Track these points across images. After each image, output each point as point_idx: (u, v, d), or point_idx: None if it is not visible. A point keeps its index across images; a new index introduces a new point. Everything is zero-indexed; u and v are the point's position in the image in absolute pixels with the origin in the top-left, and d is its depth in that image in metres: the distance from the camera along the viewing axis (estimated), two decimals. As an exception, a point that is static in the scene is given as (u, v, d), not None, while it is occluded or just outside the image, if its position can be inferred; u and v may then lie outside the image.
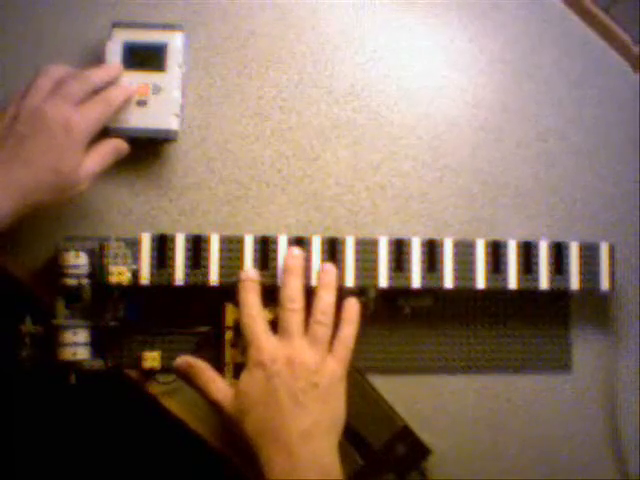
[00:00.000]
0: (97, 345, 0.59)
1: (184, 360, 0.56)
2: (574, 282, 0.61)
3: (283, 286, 0.57)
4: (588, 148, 0.66)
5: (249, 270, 0.58)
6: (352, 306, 0.58)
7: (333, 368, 0.55)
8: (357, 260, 0.59)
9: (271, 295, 0.58)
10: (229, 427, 0.54)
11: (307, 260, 0.59)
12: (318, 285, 0.58)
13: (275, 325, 0.57)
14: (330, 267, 0.58)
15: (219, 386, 0.55)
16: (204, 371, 0.56)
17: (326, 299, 0.57)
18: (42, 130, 0.53)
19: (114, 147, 0.58)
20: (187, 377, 0.56)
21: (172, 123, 0.60)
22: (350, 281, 0.59)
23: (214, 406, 0.55)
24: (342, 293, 0.58)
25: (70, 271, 0.57)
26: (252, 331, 0.55)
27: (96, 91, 0.57)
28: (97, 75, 0.58)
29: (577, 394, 0.64)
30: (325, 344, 0.55)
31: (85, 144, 0.55)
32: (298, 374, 0.53)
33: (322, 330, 0.55)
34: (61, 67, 0.57)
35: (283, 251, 0.59)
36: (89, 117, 0.55)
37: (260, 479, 0.51)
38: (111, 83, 0.59)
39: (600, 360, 0.65)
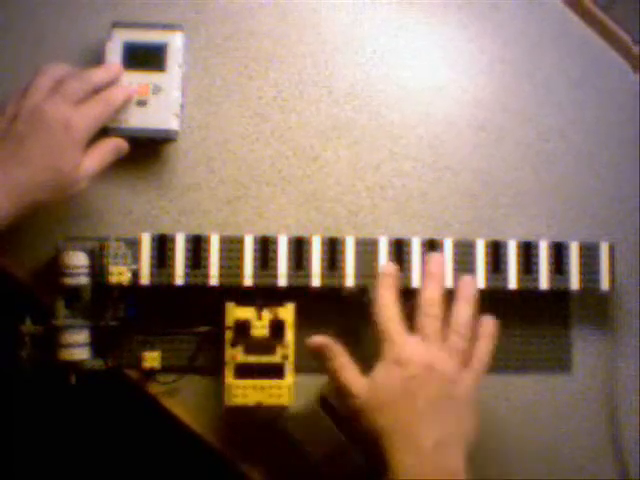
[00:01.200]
0: (97, 345, 0.59)
1: (322, 340, 0.55)
2: (574, 282, 0.61)
3: (423, 290, 0.56)
4: (588, 148, 0.66)
5: (389, 266, 0.58)
6: (489, 324, 0.57)
7: (469, 383, 0.54)
8: (357, 260, 0.59)
9: (271, 295, 0.58)
10: (353, 416, 0.53)
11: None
12: (458, 297, 0.57)
13: (274, 324, 0.57)
14: (470, 279, 0.58)
15: (352, 374, 0.54)
16: (338, 356, 0.55)
17: (465, 311, 0.56)
18: (42, 129, 0.53)
19: (114, 146, 0.58)
20: (320, 357, 0.55)
21: (172, 123, 0.60)
22: (350, 281, 0.59)
23: (343, 391, 0.54)
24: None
25: (70, 271, 0.57)
26: (388, 328, 0.54)
27: (96, 91, 0.57)
28: (97, 75, 0.58)
29: (577, 394, 0.64)
30: (461, 356, 0.55)
31: (84, 143, 0.55)
32: (436, 381, 0.53)
33: (461, 342, 0.55)
34: (61, 66, 0.57)
35: (283, 251, 0.59)
36: (88, 116, 0.55)
37: (383, 473, 0.51)
38: (111, 83, 0.59)
39: (600, 360, 0.65)
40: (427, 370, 0.53)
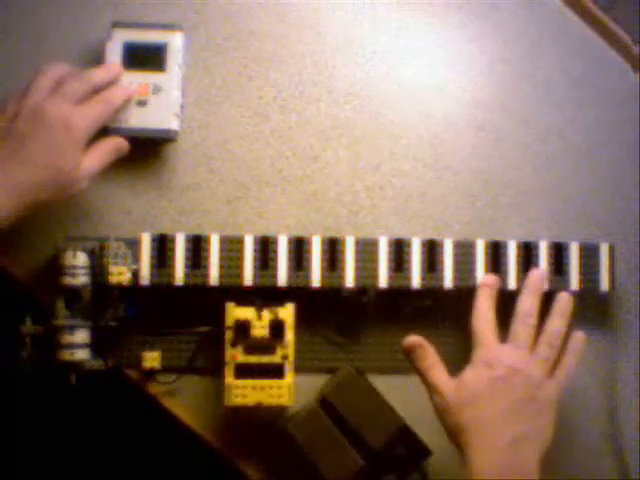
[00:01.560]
0: (97, 345, 0.59)
1: (415, 339, 0.57)
2: (574, 282, 0.61)
3: (522, 300, 0.59)
4: (588, 148, 0.66)
5: (491, 276, 0.60)
6: (579, 339, 0.59)
7: (552, 390, 0.56)
8: (357, 260, 0.59)
9: (271, 295, 0.58)
10: (439, 412, 0.56)
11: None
12: (554, 310, 0.59)
13: (274, 324, 0.57)
14: (568, 296, 0.60)
15: (442, 374, 0.56)
16: (430, 355, 0.57)
17: (560, 325, 0.58)
18: (42, 128, 0.54)
19: (114, 145, 0.58)
20: (412, 356, 0.57)
21: (172, 123, 0.60)
22: (350, 281, 0.59)
23: (432, 390, 0.56)
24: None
25: (70, 271, 0.57)
26: (483, 333, 0.57)
27: (96, 91, 0.57)
28: (97, 75, 0.58)
29: (577, 394, 0.64)
30: (549, 366, 0.57)
31: (84, 143, 0.56)
32: (521, 384, 0.55)
33: (550, 353, 0.57)
34: (61, 66, 0.57)
35: (283, 251, 0.59)
36: (88, 116, 0.56)
37: (463, 467, 0.53)
38: (111, 83, 0.59)
39: (600, 360, 0.65)
40: (513, 372, 0.55)
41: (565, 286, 0.61)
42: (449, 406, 0.55)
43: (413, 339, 0.57)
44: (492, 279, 0.60)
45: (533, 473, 0.53)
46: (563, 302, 0.59)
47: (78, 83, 0.56)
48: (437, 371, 0.56)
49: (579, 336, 0.59)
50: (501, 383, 0.55)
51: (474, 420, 0.54)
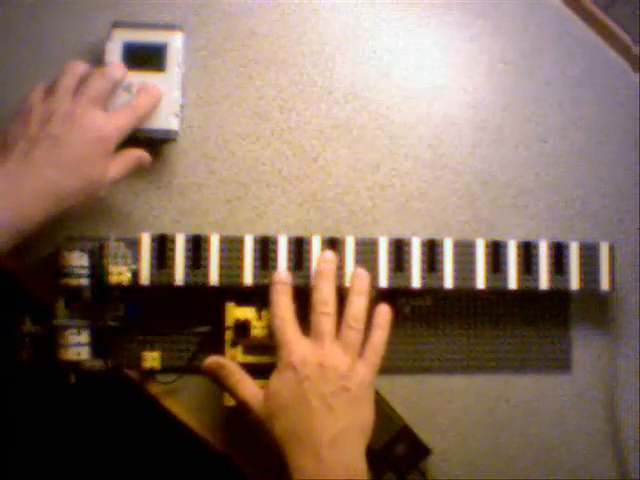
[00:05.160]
0: (97, 345, 0.59)
1: (214, 360, 0.56)
2: (574, 282, 0.61)
3: (315, 289, 0.57)
4: (588, 148, 0.66)
5: (282, 272, 0.58)
6: (384, 312, 0.58)
7: (364, 373, 0.55)
8: (357, 260, 0.59)
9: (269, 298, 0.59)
10: (257, 428, 0.54)
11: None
12: (351, 290, 0.58)
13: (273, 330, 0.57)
14: (363, 272, 0.58)
15: (248, 387, 0.55)
16: (234, 372, 0.55)
17: (358, 304, 0.57)
18: (78, 136, 0.54)
19: (137, 157, 0.59)
20: (216, 377, 0.56)
21: (172, 123, 0.60)
22: (350, 281, 0.59)
23: (243, 407, 0.55)
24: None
25: (70, 271, 0.57)
26: (283, 333, 0.55)
27: (115, 87, 0.58)
28: (119, 71, 0.58)
29: (577, 394, 0.64)
30: (356, 349, 0.55)
31: (113, 152, 0.56)
32: (329, 378, 0.53)
33: (353, 335, 0.56)
34: (82, 64, 0.58)
35: (283, 251, 0.59)
36: (121, 127, 0.56)
37: None
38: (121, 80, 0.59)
39: (600, 360, 0.65)
40: (318, 368, 0.53)
41: (565, 286, 0.61)
42: (260, 420, 0.53)
43: (211, 360, 0.56)
44: (285, 274, 0.58)
45: (359, 466, 0.52)
46: (358, 279, 0.58)
47: (101, 82, 0.57)
48: (243, 386, 0.55)
49: (383, 309, 0.58)
50: (307, 384, 0.53)
51: (287, 429, 0.52)
